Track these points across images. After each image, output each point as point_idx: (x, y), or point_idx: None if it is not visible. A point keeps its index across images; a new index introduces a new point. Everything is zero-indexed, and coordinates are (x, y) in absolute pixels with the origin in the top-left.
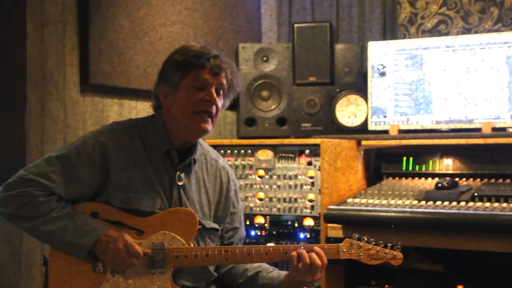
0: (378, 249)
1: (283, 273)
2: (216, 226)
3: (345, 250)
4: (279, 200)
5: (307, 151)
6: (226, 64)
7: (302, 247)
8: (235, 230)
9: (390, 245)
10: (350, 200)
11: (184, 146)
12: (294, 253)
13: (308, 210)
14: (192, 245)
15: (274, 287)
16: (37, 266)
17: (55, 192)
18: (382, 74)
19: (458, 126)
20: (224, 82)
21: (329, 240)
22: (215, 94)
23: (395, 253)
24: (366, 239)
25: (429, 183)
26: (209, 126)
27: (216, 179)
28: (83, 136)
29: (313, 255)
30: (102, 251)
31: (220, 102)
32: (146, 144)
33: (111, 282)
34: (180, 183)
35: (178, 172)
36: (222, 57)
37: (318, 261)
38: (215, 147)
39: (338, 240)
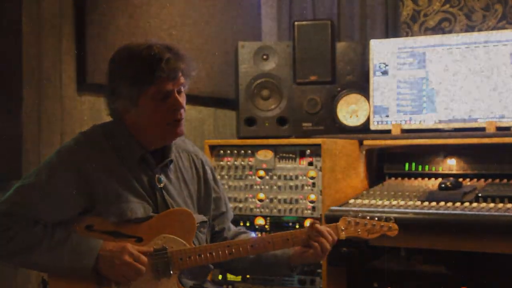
0: (374, 223)
1: (288, 250)
2: (204, 218)
3: (343, 228)
4: (279, 201)
5: (308, 151)
6: (178, 60)
7: (306, 231)
8: (223, 215)
9: (384, 217)
10: (352, 201)
11: (158, 147)
12: (316, 244)
13: (309, 211)
14: (192, 244)
15: (279, 264)
16: (33, 284)
17: (40, 220)
18: (384, 72)
19: (462, 125)
20: (182, 79)
21: None
22: (179, 99)
23: (390, 225)
24: (361, 215)
25: (432, 184)
26: (183, 128)
27: (191, 168)
28: (55, 156)
29: (324, 241)
30: (106, 267)
31: (184, 99)
32: (119, 153)
33: None
34: (161, 185)
35: (157, 175)
36: (172, 53)
37: (328, 246)
38: (215, 147)
39: (339, 241)
